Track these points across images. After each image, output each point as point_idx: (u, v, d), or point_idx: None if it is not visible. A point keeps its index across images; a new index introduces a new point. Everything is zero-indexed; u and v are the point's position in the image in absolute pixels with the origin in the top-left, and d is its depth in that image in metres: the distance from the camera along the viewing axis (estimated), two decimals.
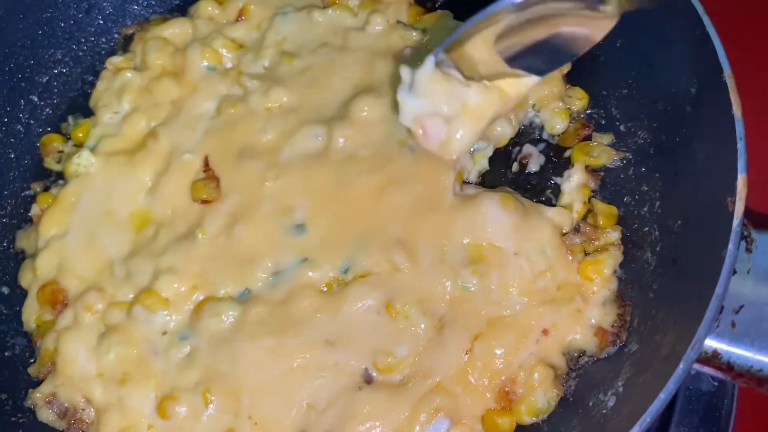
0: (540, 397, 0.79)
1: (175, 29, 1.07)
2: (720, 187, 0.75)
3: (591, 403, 0.77)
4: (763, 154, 0.92)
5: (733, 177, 0.74)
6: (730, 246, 0.70)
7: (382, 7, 1.04)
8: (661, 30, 0.89)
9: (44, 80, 1.08)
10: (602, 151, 0.93)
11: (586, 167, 0.93)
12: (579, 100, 0.97)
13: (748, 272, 0.73)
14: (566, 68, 0.98)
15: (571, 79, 0.98)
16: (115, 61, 1.07)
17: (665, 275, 0.80)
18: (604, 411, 0.74)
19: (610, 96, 0.96)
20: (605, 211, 0.89)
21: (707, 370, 0.72)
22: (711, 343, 0.71)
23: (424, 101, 0.78)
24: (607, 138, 0.94)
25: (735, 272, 0.73)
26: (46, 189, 1.02)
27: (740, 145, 0.75)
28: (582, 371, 0.81)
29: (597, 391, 0.77)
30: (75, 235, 0.95)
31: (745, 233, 0.75)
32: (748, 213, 0.74)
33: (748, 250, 0.74)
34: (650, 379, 0.70)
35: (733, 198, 0.73)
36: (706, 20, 0.82)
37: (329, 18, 1.05)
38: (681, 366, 0.66)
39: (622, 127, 0.94)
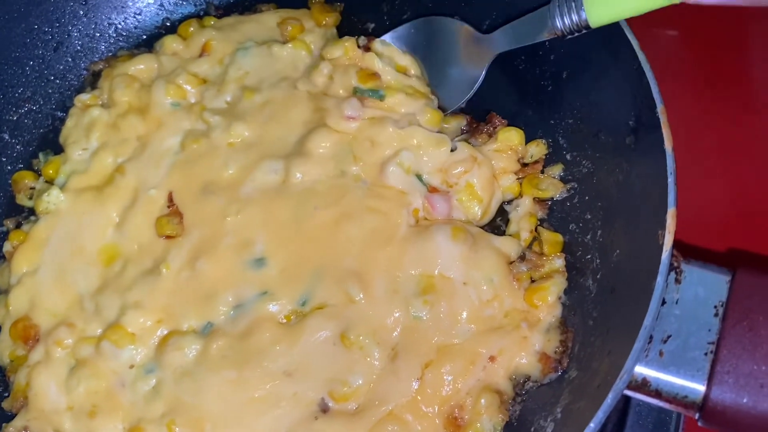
0: (486, 422, 0.82)
1: (141, 65, 1.10)
2: (653, 220, 0.79)
3: (533, 429, 0.81)
4: (697, 187, 0.96)
5: (663, 210, 0.78)
6: (659, 278, 0.74)
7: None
8: (602, 63, 0.93)
9: (15, 118, 1.12)
10: (550, 184, 0.96)
11: (534, 198, 0.96)
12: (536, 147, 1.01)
13: (677, 302, 0.77)
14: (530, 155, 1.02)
15: (520, 111, 1.02)
16: (84, 98, 1.10)
17: (604, 303, 0.84)
18: None
19: (557, 125, 1.00)
20: (551, 239, 0.93)
21: (639, 396, 0.76)
22: (641, 371, 0.75)
23: None
24: (556, 169, 0.98)
25: (664, 302, 0.77)
26: (18, 225, 1.05)
27: (670, 180, 0.79)
28: (526, 396, 0.85)
29: (538, 416, 0.81)
30: (46, 271, 0.98)
31: (675, 264, 0.79)
32: (679, 245, 0.78)
33: (678, 281, 0.78)
34: (584, 407, 0.74)
35: (663, 231, 0.77)
36: (642, 56, 0.86)
37: (289, 53, 1.08)
38: (610, 396, 0.70)
39: (568, 156, 0.98)
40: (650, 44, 0.88)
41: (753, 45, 1.28)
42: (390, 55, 1.05)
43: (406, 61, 1.04)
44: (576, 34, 0.86)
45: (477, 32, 1.00)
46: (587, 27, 0.84)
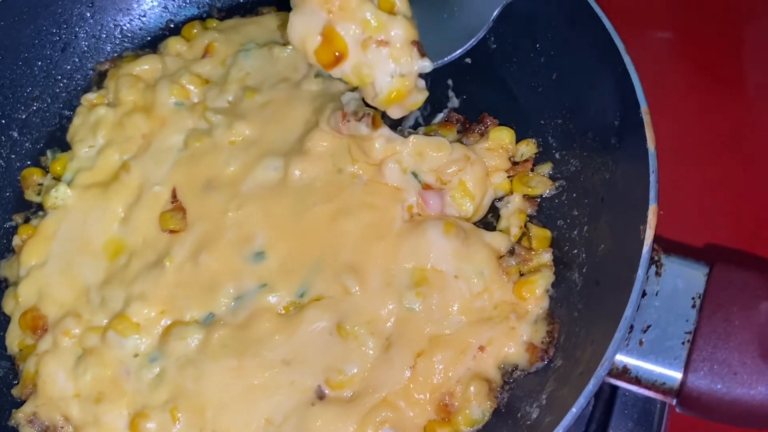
0: (475, 409, 0.86)
1: (146, 66, 1.14)
2: (635, 215, 0.82)
3: (519, 414, 0.84)
4: (678, 185, 1.00)
5: (645, 207, 0.81)
6: (640, 271, 0.77)
7: None
8: (591, 65, 0.96)
9: (23, 116, 1.15)
10: (539, 182, 1.00)
11: (524, 195, 1.00)
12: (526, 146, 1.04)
13: (657, 294, 0.81)
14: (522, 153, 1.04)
15: (511, 111, 1.06)
16: (90, 97, 1.14)
17: (589, 295, 0.88)
18: (529, 422, 0.82)
19: (547, 125, 1.03)
20: (539, 234, 0.96)
21: (620, 383, 0.80)
22: (622, 359, 0.79)
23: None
24: (545, 167, 1.01)
25: (645, 294, 0.81)
26: (27, 220, 1.09)
27: (652, 178, 0.82)
28: (514, 384, 0.88)
29: (525, 403, 0.85)
30: (54, 264, 1.01)
31: (656, 258, 0.82)
32: (660, 240, 0.82)
33: (658, 274, 0.81)
34: (567, 393, 0.77)
35: (644, 226, 0.80)
36: (627, 59, 0.90)
37: (288, 54, 1.12)
38: (591, 382, 0.74)
39: (557, 155, 1.01)
40: (642, 47, 0.91)
41: (746, 47, 1.31)
42: None
43: None
44: None
45: None
46: None
